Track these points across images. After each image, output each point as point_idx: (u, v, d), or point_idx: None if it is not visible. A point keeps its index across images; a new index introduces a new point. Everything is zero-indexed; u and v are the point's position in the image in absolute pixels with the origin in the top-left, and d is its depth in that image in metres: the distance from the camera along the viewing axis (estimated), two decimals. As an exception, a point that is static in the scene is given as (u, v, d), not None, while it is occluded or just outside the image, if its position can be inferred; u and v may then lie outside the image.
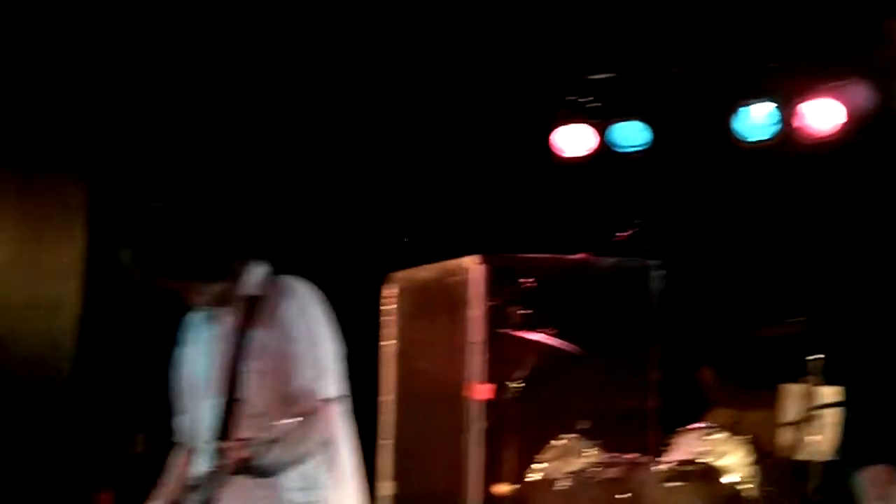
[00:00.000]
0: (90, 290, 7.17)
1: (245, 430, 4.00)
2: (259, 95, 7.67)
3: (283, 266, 7.64)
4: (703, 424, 6.77)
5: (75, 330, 7.16)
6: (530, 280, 6.52)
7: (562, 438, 6.81)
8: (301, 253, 7.75)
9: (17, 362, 7.11)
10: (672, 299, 6.66)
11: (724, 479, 6.44)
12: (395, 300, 6.61)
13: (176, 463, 4.36)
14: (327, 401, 4.06)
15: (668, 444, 6.74)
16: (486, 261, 6.27)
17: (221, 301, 4.21)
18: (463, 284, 6.27)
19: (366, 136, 7.90)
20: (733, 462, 6.52)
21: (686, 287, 7.22)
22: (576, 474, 6.61)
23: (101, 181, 7.30)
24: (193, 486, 4.11)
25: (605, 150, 7.71)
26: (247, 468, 3.82)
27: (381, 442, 6.56)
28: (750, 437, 6.72)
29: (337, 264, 7.76)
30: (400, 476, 6.35)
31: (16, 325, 7.23)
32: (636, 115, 7.63)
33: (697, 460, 6.52)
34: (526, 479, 6.76)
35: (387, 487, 6.33)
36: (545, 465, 6.75)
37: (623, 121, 7.66)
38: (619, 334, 6.91)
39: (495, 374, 6.29)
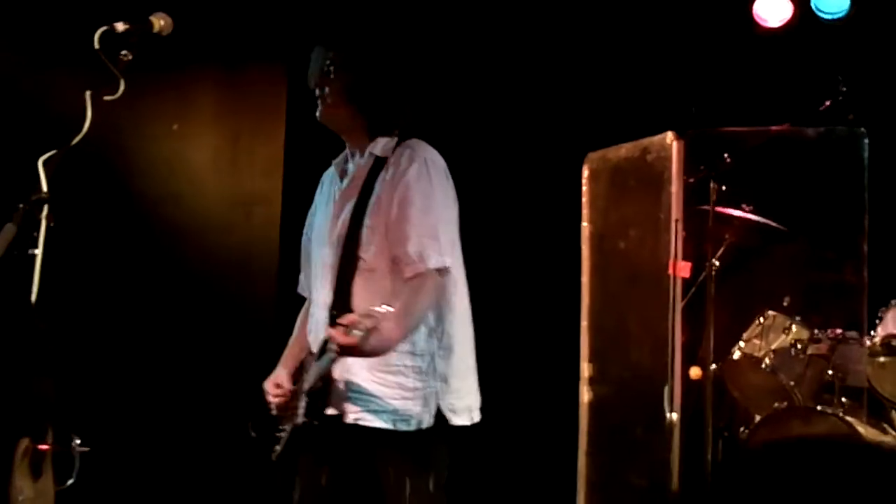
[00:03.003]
0: (291, 186, 7.28)
1: (358, 285, 4.17)
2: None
3: (487, 146, 7.64)
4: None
5: (278, 225, 7.29)
6: (731, 154, 6.41)
7: (767, 315, 6.71)
8: (503, 134, 7.81)
9: (222, 261, 7.29)
10: (880, 169, 6.44)
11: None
12: (590, 180, 6.53)
13: (299, 322, 4.62)
14: (437, 270, 4.13)
15: (877, 319, 6.59)
16: (684, 136, 6.12)
17: (354, 154, 4.42)
18: (661, 161, 6.14)
19: (562, 10, 7.81)
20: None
21: (894, 156, 6.98)
22: (780, 351, 6.52)
23: (301, 76, 7.37)
24: (311, 353, 4.33)
25: (806, 18, 7.46)
26: (351, 352, 3.90)
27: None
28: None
29: (538, 144, 7.75)
30: (598, 357, 6.32)
31: (220, 222, 7.39)
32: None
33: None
34: (729, 358, 6.70)
35: (585, 369, 6.33)
36: (749, 342, 6.67)
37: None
38: (824, 206, 6.75)
39: (695, 251, 6.19)
